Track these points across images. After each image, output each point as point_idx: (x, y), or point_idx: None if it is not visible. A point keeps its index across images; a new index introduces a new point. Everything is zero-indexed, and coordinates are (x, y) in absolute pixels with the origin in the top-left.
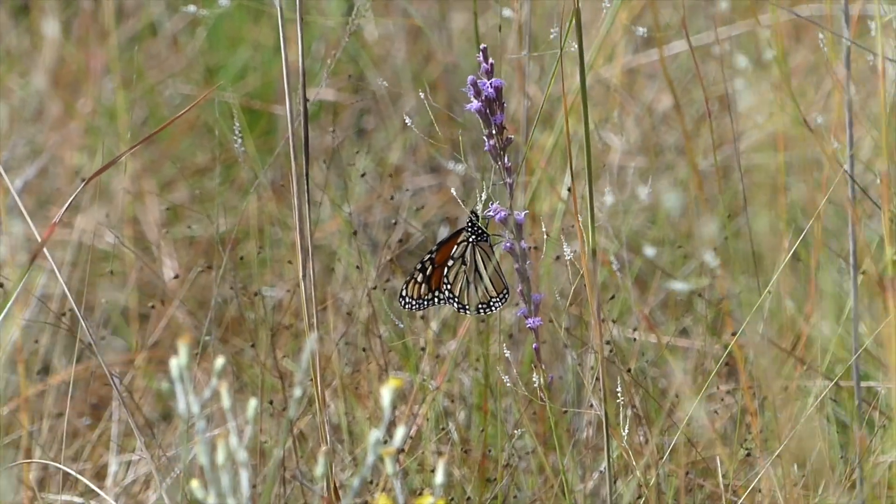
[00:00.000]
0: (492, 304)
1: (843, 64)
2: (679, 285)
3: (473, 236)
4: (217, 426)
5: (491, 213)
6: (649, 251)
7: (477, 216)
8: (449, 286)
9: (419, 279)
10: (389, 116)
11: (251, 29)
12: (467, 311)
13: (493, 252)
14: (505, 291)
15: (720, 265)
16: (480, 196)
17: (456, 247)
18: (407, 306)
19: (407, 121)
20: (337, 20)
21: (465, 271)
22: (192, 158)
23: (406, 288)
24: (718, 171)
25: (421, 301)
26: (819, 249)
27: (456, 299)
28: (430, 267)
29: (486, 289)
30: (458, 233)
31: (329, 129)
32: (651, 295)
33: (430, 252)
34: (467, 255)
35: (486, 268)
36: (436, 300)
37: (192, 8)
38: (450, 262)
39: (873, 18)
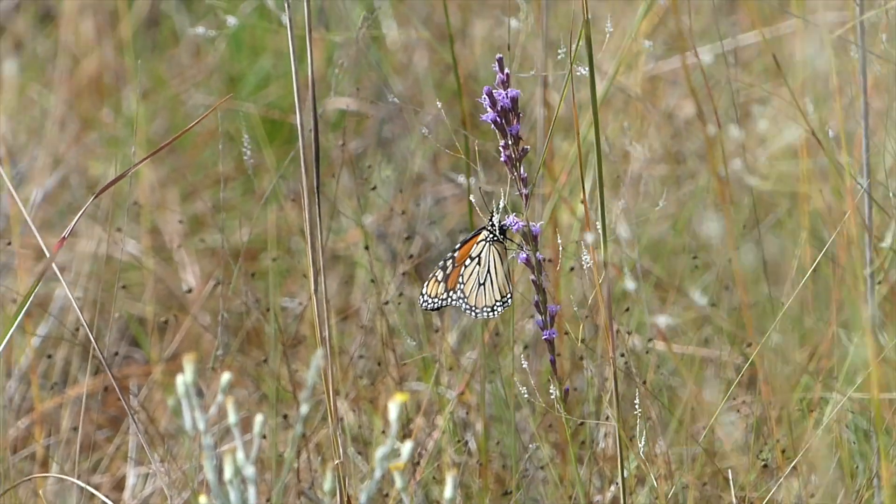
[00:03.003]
0: (494, 308)
1: (860, 72)
2: (698, 298)
3: (492, 236)
4: (232, 440)
5: (508, 224)
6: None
7: (495, 217)
8: (462, 286)
9: (440, 277)
10: (411, 125)
11: (273, 37)
12: (473, 314)
13: (506, 255)
14: (508, 297)
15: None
16: (498, 203)
17: (475, 246)
18: (423, 304)
19: (424, 131)
20: (352, 32)
21: (478, 272)
22: (214, 168)
23: (427, 286)
24: (724, 186)
25: (436, 300)
26: (840, 261)
27: (465, 300)
28: (451, 266)
29: (494, 292)
30: (480, 231)
31: (351, 138)
32: (670, 304)
33: (453, 250)
34: (483, 254)
35: (496, 270)
36: (450, 300)
37: (200, 29)
38: (467, 262)
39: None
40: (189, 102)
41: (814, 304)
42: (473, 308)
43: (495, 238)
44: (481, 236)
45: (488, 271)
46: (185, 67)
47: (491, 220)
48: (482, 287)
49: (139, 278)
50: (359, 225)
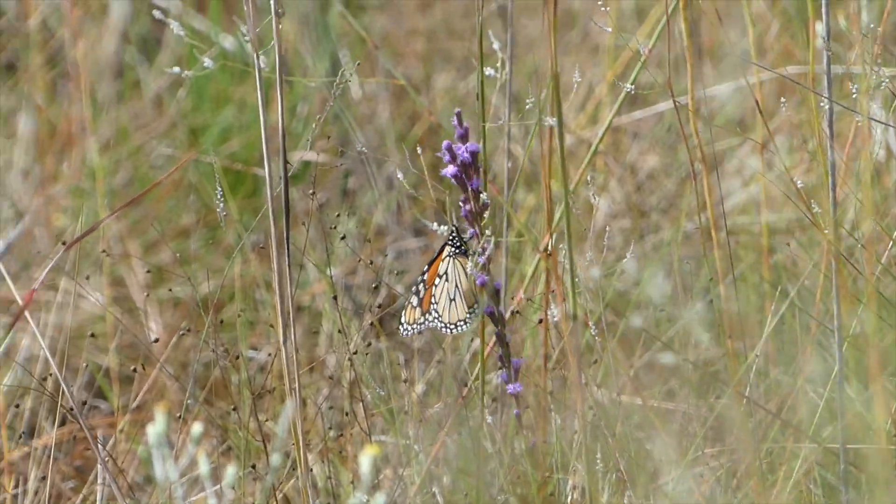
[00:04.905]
0: (465, 321)
1: (826, 124)
2: (667, 358)
3: (454, 250)
4: (201, 490)
5: (478, 281)
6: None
7: (457, 230)
8: (436, 305)
9: (415, 304)
10: (374, 177)
11: (236, 89)
12: (448, 330)
13: (469, 267)
14: (474, 307)
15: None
16: (454, 217)
17: (441, 263)
18: (405, 332)
19: (399, 175)
20: (320, 80)
21: (447, 288)
22: (176, 219)
23: (405, 314)
24: (709, 233)
25: (415, 326)
26: (804, 313)
27: (439, 318)
28: (423, 289)
29: (464, 305)
30: (443, 249)
31: (314, 189)
32: (637, 357)
33: (422, 273)
34: (449, 270)
35: (462, 283)
36: (426, 322)
37: (176, 69)
38: (437, 281)
39: (855, 80)
40: (152, 154)
41: (779, 356)
42: (447, 325)
43: (457, 251)
44: (445, 252)
45: (456, 286)
46: (147, 119)
47: (452, 234)
48: (453, 303)
49: (103, 329)
50: (325, 276)
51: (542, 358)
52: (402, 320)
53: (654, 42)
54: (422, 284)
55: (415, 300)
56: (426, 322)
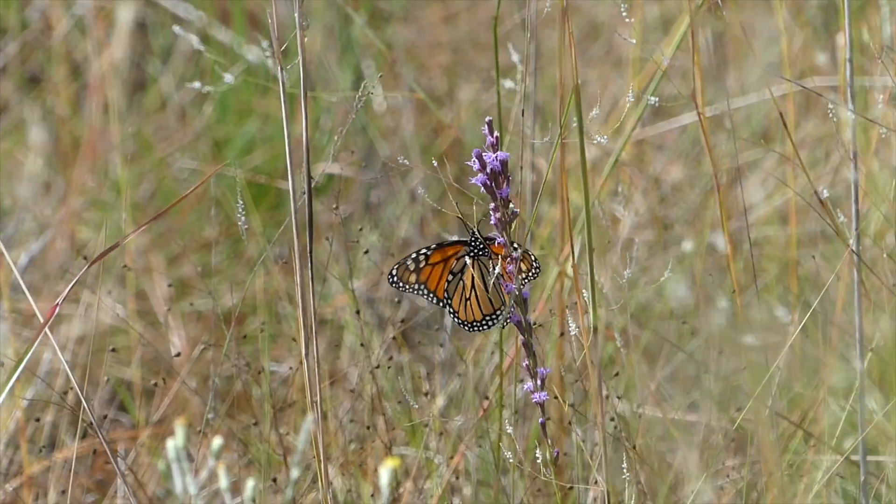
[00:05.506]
0: (488, 321)
1: (850, 136)
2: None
3: (474, 251)
4: (221, 503)
5: (506, 289)
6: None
7: (479, 232)
8: (449, 300)
9: (411, 268)
10: (398, 190)
11: (259, 101)
12: (466, 328)
13: (492, 269)
14: (499, 312)
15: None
16: (477, 223)
17: (455, 262)
18: (394, 284)
19: (420, 190)
20: (342, 94)
21: (463, 287)
22: (199, 232)
23: (396, 269)
24: (729, 246)
25: (408, 287)
26: (827, 324)
27: (455, 314)
28: (424, 262)
29: (481, 307)
30: (459, 243)
31: (337, 203)
32: (659, 369)
33: (429, 248)
34: (465, 270)
35: (484, 285)
36: (424, 293)
37: (196, 84)
38: (449, 277)
39: (879, 91)
40: (175, 166)
41: (802, 367)
42: (464, 322)
43: (477, 254)
44: (462, 251)
45: (473, 287)
46: (171, 131)
47: (473, 235)
48: (468, 302)
49: (125, 342)
50: (347, 289)
51: (562, 370)
52: (393, 272)
53: (674, 52)
54: (423, 257)
55: (412, 265)
56: (423, 292)
